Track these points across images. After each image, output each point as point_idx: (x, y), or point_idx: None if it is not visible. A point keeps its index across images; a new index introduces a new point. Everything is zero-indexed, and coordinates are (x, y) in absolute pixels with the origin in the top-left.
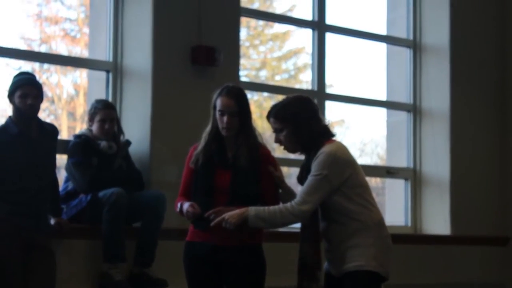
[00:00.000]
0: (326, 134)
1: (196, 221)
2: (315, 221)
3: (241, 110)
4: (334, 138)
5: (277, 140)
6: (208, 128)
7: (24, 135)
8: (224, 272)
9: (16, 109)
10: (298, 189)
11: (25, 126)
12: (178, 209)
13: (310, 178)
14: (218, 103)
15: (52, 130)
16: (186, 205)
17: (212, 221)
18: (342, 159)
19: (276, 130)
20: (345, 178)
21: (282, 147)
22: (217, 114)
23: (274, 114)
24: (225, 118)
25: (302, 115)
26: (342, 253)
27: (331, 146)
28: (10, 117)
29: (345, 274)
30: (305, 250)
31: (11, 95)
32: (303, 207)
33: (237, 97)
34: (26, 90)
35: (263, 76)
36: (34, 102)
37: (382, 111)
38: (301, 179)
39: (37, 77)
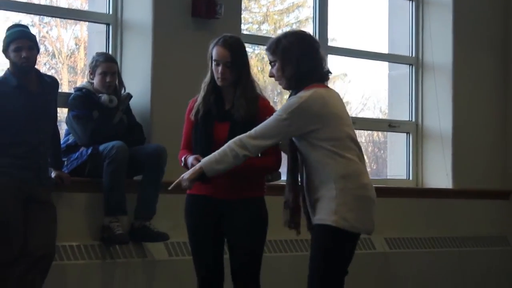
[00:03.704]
0: (314, 75)
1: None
2: (293, 166)
3: (236, 61)
4: (320, 84)
5: (271, 74)
6: (207, 79)
7: (23, 87)
8: (225, 225)
9: (12, 63)
10: None
11: (24, 79)
12: (182, 163)
13: (272, 116)
14: (214, 53)
15: (52, 82)
16: (190, 159)
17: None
18: (312, 110)
19: (270, 63)
20: (308, 130)
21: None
22: (213, 64)
23: (268, 45)
24: (219, 68)
25: (292, 51)
26: (311, 206)
27: (308, 92)
28: (8, 69)
29: (313, 225)
30: (286, 195)
31: (5, 50)
32: (253, 142)
33: (231, 47)
34: (20, 43)
35: (265, 29)
36: (29, 55)
37: (384, 64)
38: None
39: (30, 29)
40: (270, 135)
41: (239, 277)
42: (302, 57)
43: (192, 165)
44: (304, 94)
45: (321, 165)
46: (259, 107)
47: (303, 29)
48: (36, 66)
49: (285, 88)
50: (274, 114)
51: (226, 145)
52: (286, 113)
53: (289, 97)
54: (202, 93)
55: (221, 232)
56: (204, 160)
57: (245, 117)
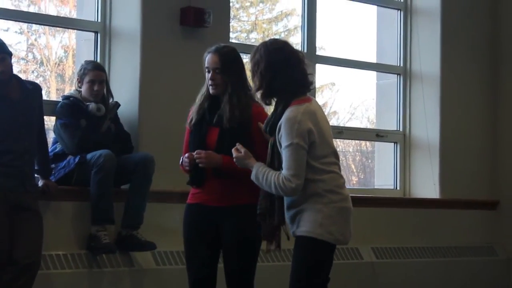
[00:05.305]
0: (292, 88)
1: (191, 178)
2: None
3: (226, 67)
4: (307, 97)
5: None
6: (203, 89)
7: (3, 96)
8: (221, 233)
9: None
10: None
11: (4, 88)
12: (180, 164)
13: (284, 151)
14: (206, 60)
15: (34, 88)
16: (184, 156)
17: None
18: (307, 125)
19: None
20: (309, 143)
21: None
22: (206, 72)
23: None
24: (209, 75)
25: (259, 65)
26: (294, 216)
27: (296, 110)
28: None
29: (296, 237)
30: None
31: None
32: (292, 184)
33: (221, 54)
34: None
35: (254, 38)
36: (3, 68)
37: (372, 74)
38: (265, 131)
39: (19, 37)
40: (300, 167)
41: (233, 285)
42: (265, 72)
43: (184, 161)
44: (296, 111)
45: (308, 182)
46: (252, 114)
47: (291, 38)
48: (24, 74)
49: (266, 103)
50: (285, 147)
51: (275, 178)
52: (296, 138)
53: (275, 113)
54: (197, 102)
55: (217, 240)
56: (257, 168)
57: (231, 124)
